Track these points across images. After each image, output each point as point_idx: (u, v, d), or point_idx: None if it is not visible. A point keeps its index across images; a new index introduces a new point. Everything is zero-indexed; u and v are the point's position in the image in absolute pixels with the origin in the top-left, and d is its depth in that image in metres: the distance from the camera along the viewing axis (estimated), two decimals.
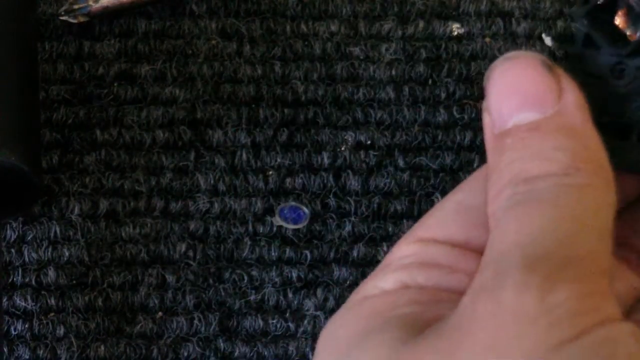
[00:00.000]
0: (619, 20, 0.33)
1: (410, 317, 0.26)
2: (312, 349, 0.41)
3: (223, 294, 0.41)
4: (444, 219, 0.28)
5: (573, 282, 0.23)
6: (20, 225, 0.41)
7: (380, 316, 0.27)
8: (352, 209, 0.42)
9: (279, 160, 0.43)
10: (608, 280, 0.24)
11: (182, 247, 0.41)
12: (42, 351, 0.40)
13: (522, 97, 0.27)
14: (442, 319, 0.25)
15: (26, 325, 0.40)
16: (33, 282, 0.41)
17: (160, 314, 0.41)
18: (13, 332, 0.40)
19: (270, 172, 0.43)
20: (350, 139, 0.43)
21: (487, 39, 0.45)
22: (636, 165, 0.29)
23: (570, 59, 0.35)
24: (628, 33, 0.32)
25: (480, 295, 0.24)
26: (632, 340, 0.23)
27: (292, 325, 0.42)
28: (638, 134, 0.30)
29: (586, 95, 0.28)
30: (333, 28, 0.45)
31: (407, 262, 0.27)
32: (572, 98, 0.27)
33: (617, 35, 0.32)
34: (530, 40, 0.45)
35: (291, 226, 0.42)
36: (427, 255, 0.27)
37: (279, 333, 0.42)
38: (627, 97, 0.31)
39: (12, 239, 0.41)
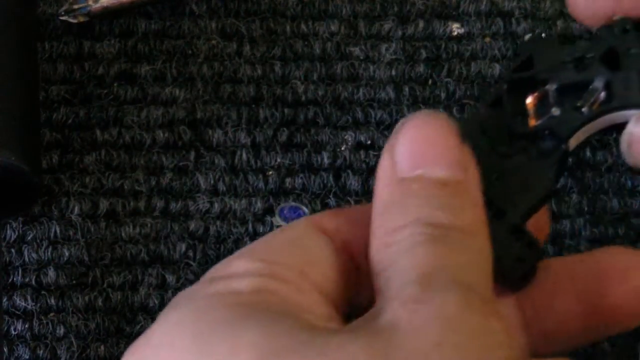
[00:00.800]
0: (530, 100, 0.34)
1: (283, 312, 0.28)
2: None
3: None
4: (281, 246, 0.31)
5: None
6: (20, 225, 0.41)
7: (254, 306, 0.28)
8: None
9: (279, 160, 0.43)
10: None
11: (182, 247, 0.41)
12: (42, 351, 0.40)
13: (435, 155, 0.30)
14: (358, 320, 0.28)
15: (26, 325, 0.40)
16: (33, 282, 0.41)
17: (160, 313, 0.41)
18: (13, 332, 0.40)
19: (270, 172, 0.43)
20: (350, 139, 0.43)
21: (487, 39, 0.45)
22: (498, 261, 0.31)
23: (480, 104, 0.37)
24: (530, 115, 0.34)
25: (415, 305, 0.27)
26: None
27: None
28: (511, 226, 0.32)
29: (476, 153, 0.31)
30: (333, 28, 0.45)
31: (257, 272, 0.29)
32: (476, 175, 0.30)
33: (522, 112, 0.34)
34: None
35: None
36: (272, 271, 0.29)
37: None
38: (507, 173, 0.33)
39: (12, 239, 0.41)
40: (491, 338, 0.27)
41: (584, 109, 0.33)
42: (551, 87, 0.34)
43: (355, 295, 0.31)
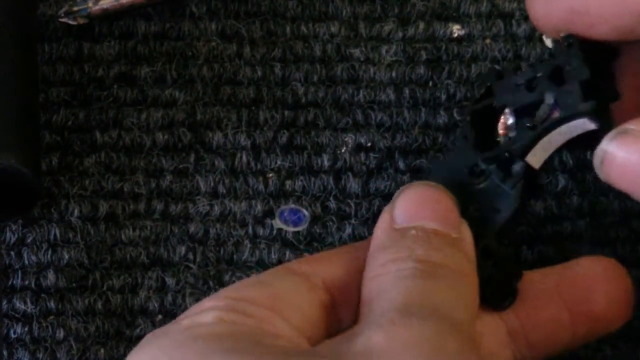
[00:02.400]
0: (500, 127, 0.36)
1: (251, 339, 0.29)
2: None
3: None
4: (248, 285, 0.32)
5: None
6: (20, 228, 0.41)
7: (222, 335, 0.29)
8: (353, 211, 0.42)
9: (279, 162, 0.43)
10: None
11: (182, 249, 0.41)
12: (41, 354, 0.40)
13: (433, 212, 0.33)
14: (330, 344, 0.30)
15: (26, 328, 0.40)
16: (32, 285, 0.41)
17: (160, 316, 0.41)
18: (12, 335, 0.40)
19: (270, 175, 0.43)
20: (350, 141, 0.43)
21: (488, 41, 0.45)
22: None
23: (455, 140, 0.40)
24: (501, 140, 0.36)
25: (393, 328, 0.28)
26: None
27: None
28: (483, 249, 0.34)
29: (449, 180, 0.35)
30: (333, 29, 0.45)
31: (223, 307, 0.30)
32: (469, 235, 0.33)
33: (492, 139, 0.36)
34: (531, 42, 0.45)
35: (291, 229, 0.42)
36: (237, 306, 0.30)
37: None
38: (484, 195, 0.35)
39: (12, 242, 0.41)
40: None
41: (537, 127, 0.35)
42: (509, 111, 0.36)
43: (332, 331, 0.32)
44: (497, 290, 0.34)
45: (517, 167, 0.35)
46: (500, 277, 0.34)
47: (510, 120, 0.36)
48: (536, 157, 0.35)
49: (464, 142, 0.37)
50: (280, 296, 0.31)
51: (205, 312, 0.30)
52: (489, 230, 0.34)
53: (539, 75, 0.36)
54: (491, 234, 0.34)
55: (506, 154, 0.35)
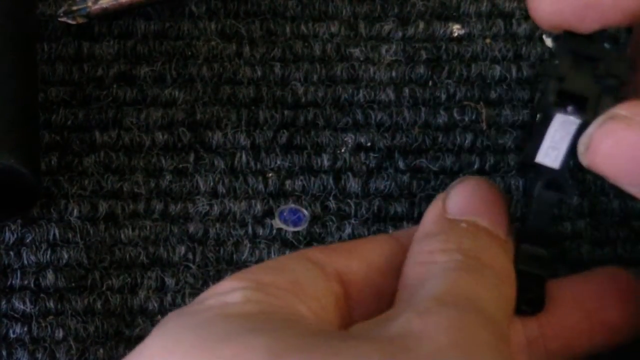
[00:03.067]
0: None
1: (284, 318, 0.29)
2: None
3: None
4: (267, 269, 0.32)
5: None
6: (19, 228, 0.41)
7: (253, 315, 0.29)
8: (352, 211, 0.42)
9: (278, 162, 0.43)
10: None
11: (182, 249, 0.41)
12: (40, 354, 0.40)
13: (486, 210, 0.33)
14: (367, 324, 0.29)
15: (25, 328, 0.40)
16: (32, 285, 0.41)
17: (159, 316, 0.41)
18: (12, 335, 0.40)
19: (270, 174, 0.43)
20: (350, 141, 0.43)
21: (488, 40, 0.45)
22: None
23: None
24: None
25: (430, 315, 0.28)
26: None
27: None
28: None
29: None
30: (333, 29, 0.45)
31: (248, 287, 0.30)
32: (511, 243, 0.34)
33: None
34: (531, 42, 0.45)
35: (291, 228, 0.42)
36: (262, 288, 0.30)
37: None
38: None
39: (11, 242, 0.41)
40: (498, 355, 0.27)
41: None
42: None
43: (342, 324, 0.32)
44: (529, 296, 0.34)
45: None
46: (533, 283, 0.34)
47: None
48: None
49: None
50: (300, 282, 0.31)
51: (232, 292, 0.29)
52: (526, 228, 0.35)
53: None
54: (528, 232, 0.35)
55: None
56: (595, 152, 0.30)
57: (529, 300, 0.35)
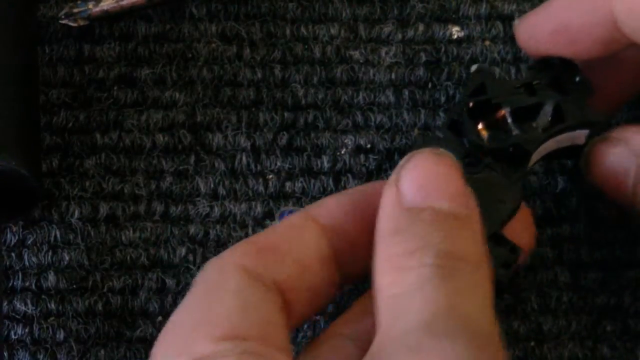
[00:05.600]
0: (491, 120, 0.37)
1: None
2: None
3: None
4: (234, 312, 0.30)
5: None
6: (20, 229, 0.41)
7: None
8: None
9: (278, 164, 0.43)
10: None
11: (182, 251, 0.41)
12: (42, 355, 0.40)
13: (443, 189, 0.31)
14: None
15: (26, 330, 0.40)
16: (33, 286, 0.41)
17: (160, 318, 0.41)
18: (13, 336, 0.40)
19: (270, 176, 0.43)
20: (350, 143, 0.43)
21: (487, 42, 0.45)
22: None
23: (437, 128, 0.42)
24: (489, 134, 0.37)
25: (422, 353, 0.27)
26: None
27: None
28: None
29: None
30: (333, 31, 0.45)
31: (231, 353, 0.29)
32: (477, 210, 0.32)
33: (478, 133, 0.37)
34: None
35: None
36: (246, 348, 0.29)
37: None
38: None
39: (12, 243, 0.41)
40: None
41: (540, 129, 0.37)
42: (506, 110, 0.37)
43: (286, 335, 0.31)
44: (509, 276, 0.35)
45: (518, 161, 0.36)
46: (514, 263, 0.35)
47: (510, 119, 0.37)
48: (534, 156, 0.37)
49: (448, 132, 0.37)
50: (267, 321, 0.30)
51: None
52: (494, 220, 0.34)
53: (535, 82, 0.38)
54: (495, 224, 0.35)
55: (510, 149, 0.36)
56: (591, 167, 0.34)
57: (505, 275, 0.34)
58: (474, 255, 0.30)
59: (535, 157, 0.37)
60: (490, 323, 0.29)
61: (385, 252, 0.31)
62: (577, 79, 0.38)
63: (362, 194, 0.34)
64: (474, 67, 0.43)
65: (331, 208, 0.34)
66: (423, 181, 0.31)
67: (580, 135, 0.38)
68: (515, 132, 0.37)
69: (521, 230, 0.36)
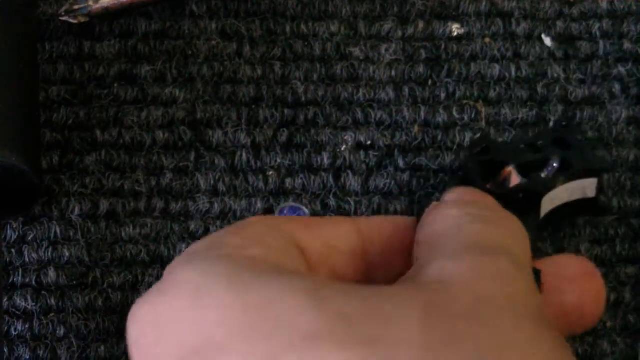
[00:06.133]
0: (510, 177, 0.38)
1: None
2: None
3: None
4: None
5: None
6: (21, 226, 0.41)
7: (283, 266, 0.28)
8: (352, 209, 0.42)
9: (279, 160, 0.43)
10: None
11: (183, 247, 0.41)
12: (42, 351, 0.40)
13: (481, 198, 0.34)
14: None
15: (26, 326, 0.40)
16: (33, 283, 0.41)
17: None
18: (13, 332, 0.40)
19: (271, 173, 0.43)
20: (350, 140, 0.43)
21: (487, 40, 0.45)
22: None
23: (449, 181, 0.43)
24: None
25: (464, 262, 0.27)
26: None
27: None
28: None
29: None
30: (333, 28, 0.45)
31: (265, 245, 0.29)
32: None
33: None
34: (530, 41, 0.45)
35: None
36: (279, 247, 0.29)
37: None
38: None
39: (13, 239, 0.41)
40: (534, 299, 0.27)
41: (548, 178, 0.38)
42: (512, 166, 0.38)
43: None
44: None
45: (529, 205, 0.37)
46: None
47: (515, 173, 0.38)
48: (546, 203, 0.38)
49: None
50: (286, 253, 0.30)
51: (248, 247, 0.28)
52: None
53: (539, 143, 0.39)
54: None
55: (520, 195, 0.37)
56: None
57: None
58: (512, 226, 0.31)
59: (548, 205, 0.38)
60: (526, 260, 0.29)
61: (426, 217, 0.31)
62: (580, 137, 0.40)
63: (406, 222, 0.34)
64: (476, 136, 0.44)
65: (373, 221, 0.34)
66: (462, 193, 0.33)
67: (590, 186, 0.39)
68: (524, 180, 0.37)
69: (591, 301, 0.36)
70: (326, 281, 0.26)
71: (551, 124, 0.43)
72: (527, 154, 0.39)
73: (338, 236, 0.32)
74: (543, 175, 0.38)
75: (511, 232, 0.30)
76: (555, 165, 0.38)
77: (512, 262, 0.28)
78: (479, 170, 0.38)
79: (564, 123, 0.42)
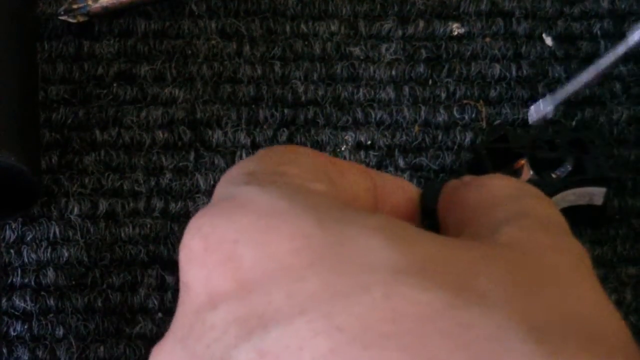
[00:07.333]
0: (522, 169, 0.40)
1: None
2: None
3: None
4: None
5: None
6: (20, 226, 0.41)
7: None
8: None
9: None
10: None
11: None
12: (41, 352, 0.40)
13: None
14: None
15: (25, 326, 0.40)
16: (32, 283, 0.41)
17: (160, 314, 0.41)
18: (12, 333, 0.40)
19: None
20: (350, 139, 0.43)
21: (488, 39, 0.45)
22: None
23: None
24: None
25: (534, 231, 0.27)
26: None
27: None
28: None
29: None
30: (333, 28, 0.45)
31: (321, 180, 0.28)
32: None
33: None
34: (531, 40, 0.45)
35: None
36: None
37: None
38: None
39: (12, 240, 0.41)
40: (587, 260, 0.27)
41: (558, 179, 0.39)
42: (526, 159, 0.39)
43: None
44: None
45: None
46: None
47: (528, 166, 0.39)
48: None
49: (474, 171, 0.39)
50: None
51: (312, 182, 0.27)
52: None
53: (557, 140, 0.40)
54: None
55: None
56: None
57: None
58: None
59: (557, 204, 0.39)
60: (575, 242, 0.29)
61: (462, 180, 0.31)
62: (597, 142, 0.40)
63: (412, 191, 0.33)
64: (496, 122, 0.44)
65: (387, 182, 0.32)
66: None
67: (599, 194, 0.40)
68: (536, 177, 0.38)
69: None
70: (402, 222, 0.25)
71: (573, 123, 0.43)
72: (544, 150, 0.40)
73: (360, 189, 0.32)
74: (554, 175, 0.39)
75: (548, 203, 0.30)
76: (568, 167, 0.39)
77: (566, 233, 0.28)
78: (493, 157, 0.39)
79: (585, 125, 0.43)
